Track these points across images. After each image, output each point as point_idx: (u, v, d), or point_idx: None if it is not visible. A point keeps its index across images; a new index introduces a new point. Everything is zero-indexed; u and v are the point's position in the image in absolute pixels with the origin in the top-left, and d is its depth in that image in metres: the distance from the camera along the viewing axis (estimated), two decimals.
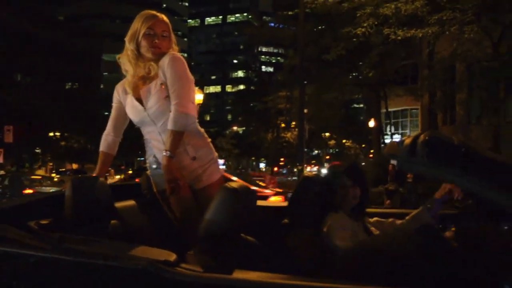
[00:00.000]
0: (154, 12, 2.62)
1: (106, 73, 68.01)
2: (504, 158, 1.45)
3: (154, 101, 2.53)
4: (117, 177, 46.03)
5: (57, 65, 48.30)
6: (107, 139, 2.77)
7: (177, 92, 2.47)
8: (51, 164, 47.52)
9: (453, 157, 1.36)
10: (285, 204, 2.74)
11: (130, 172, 50.81)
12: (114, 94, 2.77)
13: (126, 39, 2.62)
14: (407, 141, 1.40)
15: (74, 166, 49.57)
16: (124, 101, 2.69)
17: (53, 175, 35.75)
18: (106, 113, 60.48)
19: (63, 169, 46.31)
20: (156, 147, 2.59)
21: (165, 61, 2.53)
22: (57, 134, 46.16)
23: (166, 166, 2.42)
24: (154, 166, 2.63)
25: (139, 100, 2.59)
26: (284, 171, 65.65)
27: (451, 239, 1.95)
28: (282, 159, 61.06)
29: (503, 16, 13.25)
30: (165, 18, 2.63)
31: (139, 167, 26.23)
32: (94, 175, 2.66)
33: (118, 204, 2.47)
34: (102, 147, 2.76)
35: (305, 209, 2.55)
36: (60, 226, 2.15)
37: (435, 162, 1.35)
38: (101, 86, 63.66)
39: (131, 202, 2.60)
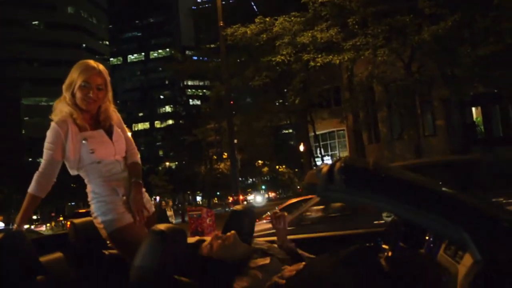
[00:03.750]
0: (92, 64, 2.65)
1: (26, 118, 65.23)
2: (413, 176, 1.54)
3: (121, 139, 2.73)
4: (47, 225, 43.69)
5: None
6: (39, 179, 2.62)
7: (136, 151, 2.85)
8: None
9: (367, 182, 1.42)
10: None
11: (61, 219, 48.44)
12: (55, 134, 2.61)
13: (64, 87, 2.67)
14: (325, 169, 1.46)
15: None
16: (76, 139, 2.61)
17: None
18: (30, 159, 57.98)
19: None
20: (116, 180, 2.64)
21: (120, 122, 2.82)
22: None
23: (140, 193, 2.63)
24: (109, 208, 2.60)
25: (107, 132, 2.69)
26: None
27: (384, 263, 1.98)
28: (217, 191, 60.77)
29: (411, 38, 14.19)
30: (102, 70, 2.66)
31: (73, 213, 24.94)
32: (18, 221, 2.58)
33: (43, 258, 2.36)
34: (31, 188, 2.60)
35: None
36: None
37: (351, 188, 1.41)
38: (23, 132, 60.90)
39: (57, 255, 2.49)
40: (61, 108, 2.66)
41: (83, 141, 2.61)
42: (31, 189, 2.61)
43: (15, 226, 2.59)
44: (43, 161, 2.65)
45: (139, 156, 2.80)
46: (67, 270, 2.43)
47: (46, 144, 2.65)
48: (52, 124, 2.65)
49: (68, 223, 3.15)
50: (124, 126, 2.85)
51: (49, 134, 2.64)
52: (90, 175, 2.66)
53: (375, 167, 1.53)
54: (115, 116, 2.79)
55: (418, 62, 15.65)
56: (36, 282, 2.17)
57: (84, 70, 2.62)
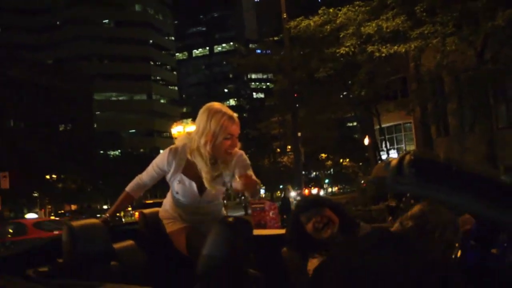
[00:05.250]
0: (231, 114, 2.64)
1: (98, 112, 68.29)
2: (487, 170, 1.48)
3: (213, 193, 2.75)
4: (117, 214, 45.74)
5: (48, 109, 48.53)
6: (139, 183, 2.85)
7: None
8: (49, 207, 47.25)
9: (439, 175, 1.38)
10: (283, 231, 2.74)
11: (130, 209, 50.51)
12: (161, 160, 2.75)
13: (197, 133, 2.64)
14: (394, 162, 1.43)
15: (73, 207, 49.29)
16: (173, 176, 2.73)
17: (52, 217, 35.44)
18: (101, 152, 60.74)
19: (62, 211, 46.01)
20: (183, 210, 2.77)
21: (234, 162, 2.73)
22: (54, 176, 46.02)
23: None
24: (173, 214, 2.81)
25: (198, 186, 2.71)
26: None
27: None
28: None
29: (484, 25, 13.48)
30: (236, 119, 2.66)
31: (142, 204, 26.03)
32: (110, 212, 2.84)
33: (116, 245, 2.48)
34: (129, 187, 2.85)
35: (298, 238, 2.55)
36: (59, 272, 2.14)
37: (422, 182, 1.37)
38: (95, 126, 63.84)
39: (129, 242, 2.60)
40: (189, 151, 2.69)
41: (176, 180, 2.73)
42: (129, 188, 2.85)
43: (106, 215, 2.79)
44: (146, 171, 2.83)
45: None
46: (138, 257, 2.53)
47: (154, 162, 2.80)
48: (171, 148, 2.77)
49: (137, 213, 3.31)
50: (247, 168, 2.71)
51: (161, 155, 2.79)
52: (170, 195, 2.84)
53: (446, 160, 1.48)
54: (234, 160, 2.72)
55: (492, 50, 14.85)
56: (110, 266, 2.29)
57: (227, 120, 2.59)
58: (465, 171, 1.41)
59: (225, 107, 2.69)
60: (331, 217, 2.22)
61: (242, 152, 2.78)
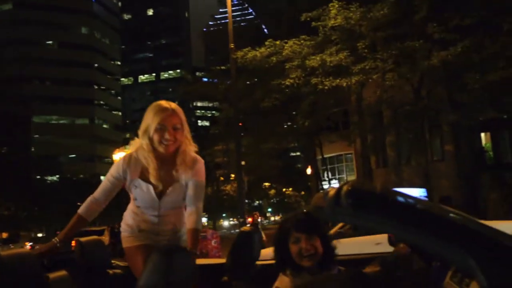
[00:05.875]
0: (164, 105, 2.61)
1: (37, 136, 65.79)
2: (420, 200, 1.54)
3: (172, 199, 2.65)
4: None
5: None
6: (91, 201, 2.68)
7: (200, 198, 2.71)
8: None
9: (375, 206, 1.42)
10: (224, 260, 2.72)
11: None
12: (115, 168, 2.67)
13: (139, 132, 2.65)
14: (331, 192, 1.45)
15: (4, 235, 46.68)
16: (131, 183, 2.65)
17: None
18: (38, 177, 58.25)
19: None
20: (142, 219, 2.68)
21: (193, 166, 2.68)
22: None
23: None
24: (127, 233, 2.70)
25: (156, 191, 2.63)
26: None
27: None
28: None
29: (420, 64, 14.23)
30: (176, 109, 2.62)
31: (79, 232, 24.97)
32: (61, 237, 2.61)
33: (50, 275, 2.37)
34: (82, 210, 2.66)
35: (245, 266, 2.54)
36: None
37: (359, 212, 1.41)
38: (32, 149, 61.34)
39: (62, 273, 2.49)
40: (139, 152, 2.66)
41: (133, 186, 2.65)
42: (81, 209, 2.67)
43: (56, 239, 2.59)
44: (100, 187, 2.71)
45: (199, 218, 2.66)
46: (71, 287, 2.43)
47: (108, 174, 2.70)
48: (124, 156, 2.73)
49: (74, 241, 3.16)
50: (200, 172, 2.73)
51: (115, 165, 2.72)
52: (130, 205, 2.76)
53: (383, 190, 1.53)
54: (189, 160, 2.69)
55: (427, 87, 15.67)
56: None
57: (158, 112, 2.57)
58: (399, 201, 1.46)
59: (168, 102, 2.66)
60: (318, 249, 2.15)
61: (201, 161, 2.75)
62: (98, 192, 2.69)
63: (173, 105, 2.63)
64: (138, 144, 2.67)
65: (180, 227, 2.73)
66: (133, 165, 2.64)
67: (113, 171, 2.68)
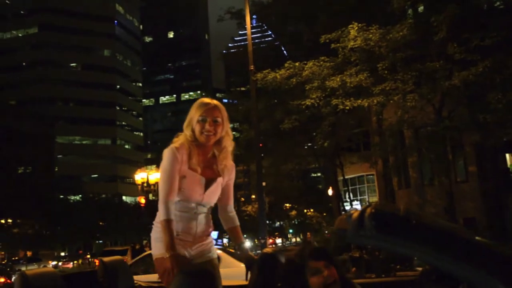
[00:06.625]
0: (207, 100, 2.79)
1: (60, 156, 66.86)
2: (445, 223, 1.53)
3: (212, 195, 2.76)
4: (74, 262, 43.87)
5: (7, 150, 47.19)
6: (170, 201, 2.60)
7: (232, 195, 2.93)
8: (2, 253, 45.09)
9: (398, 228, 1.42)
10: (246, 283, 2.71)
11: (88, 256, 48.55)
12: (175, 155, 2.64)
13: (184, 126, 2.78)
14: (355, 215, 1.46)
15: (28, 253, 47.17)
16: (181, 173, 2.65)
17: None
18: (61, 197, 59.02)
19: (16, 258, 43.96)
20: (181, 203, 2.67)
21: (232, 170, 2.88)
22: (9, 220, 44.24)
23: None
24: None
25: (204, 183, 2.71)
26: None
27: None
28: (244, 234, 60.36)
29: (441, 84, 14.12)
30: (218, 105, 2.77)
31: (102, 251, 24.94)
32: (170, 247, 2.46)
33: None
34: (168, 214, 2.55)
35: None
36: None
37: (382, 235, 1.41)
38: (55, 169, 62.27)
39: None
40: (183, 143, 2.72)
41: (182, 175, 2.64)
42: (167, 215, 2.55)
43: (170, 252, 2.42)
44: (166, 188, 2.61)
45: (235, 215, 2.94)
46: None
47: (167, 170, 2.63)
48: (171, 147, 2.68)
49: (97, 261, 3.17)
50: (233, 173, 2.90)
51: (168, 159, 2.65)
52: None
53: (406, 213, 1.52)
54: (230, 165, 2.84)
55: (449, 108, 15.51)
56: None
57: (200, 105, 2.74)
58: (423, 223, 1.45)
59: (210, 99, 2.81)
60: (336, 278, 2.07)
61: (233, 165, 2.89)
62: (168, 193, 2.59)
63: (215, 101, 2.80)
64: (182, 137, 2.76)
65: (208, 229, 2.82)
66: (181, 155, 2.67)
67: (172, 161, 2.62)
